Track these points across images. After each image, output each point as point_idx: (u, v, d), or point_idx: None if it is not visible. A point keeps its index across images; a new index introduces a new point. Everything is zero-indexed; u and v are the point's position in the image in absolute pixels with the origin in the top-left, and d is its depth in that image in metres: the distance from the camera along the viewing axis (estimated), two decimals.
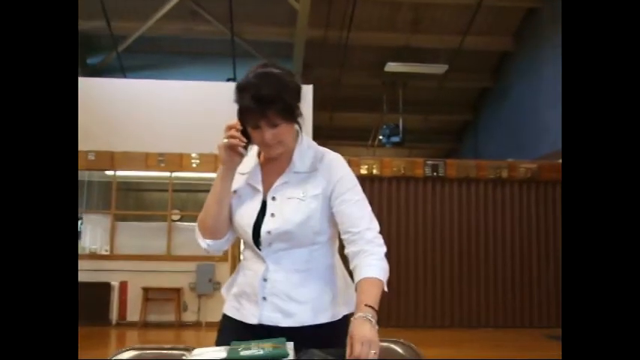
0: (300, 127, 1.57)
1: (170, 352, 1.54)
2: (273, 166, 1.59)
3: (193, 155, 8.30)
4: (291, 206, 1.53)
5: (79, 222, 8.68)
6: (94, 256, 8.23)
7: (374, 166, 8.42)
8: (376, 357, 1.31)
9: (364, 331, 1.33)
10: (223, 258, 7.96)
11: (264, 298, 1.55)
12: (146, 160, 8.34)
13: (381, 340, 1.36)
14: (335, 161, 1.59)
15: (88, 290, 7.25)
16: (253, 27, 10.33)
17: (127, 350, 1.52)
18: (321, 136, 10.20)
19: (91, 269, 7.76)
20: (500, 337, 7.60)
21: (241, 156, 1.54)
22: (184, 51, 11.11)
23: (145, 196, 11.11)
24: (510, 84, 11.20)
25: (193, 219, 1.73)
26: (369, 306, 1.38)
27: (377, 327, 1.36)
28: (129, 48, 10.33)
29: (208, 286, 8.03)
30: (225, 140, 1.51)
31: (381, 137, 12.31)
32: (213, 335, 1.65)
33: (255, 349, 1.36)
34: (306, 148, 1.59)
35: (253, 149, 1.62)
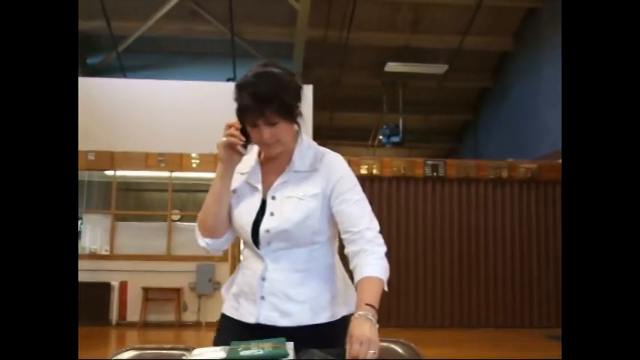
0: (299, 127, 1.57)
1: (170, 352, 1.54)
2: (273, 165, 1.59)
3: (193, 155, 8.30)
4: (291, 205, 1.53)
5: (79, 222, 8.68)
6: (94, 256, 8.23)
7: (374, 166, 8.42)
8: (375, 357, 1.30)
9: (363, 331, 1.32)
10: (223, 258, 7.96)
11: (263, 298, 1.55)
12: (146, 160, 8.34)
13: (381, 340, 1.36)
14: (335, 161, 1.59)
15: (88, 290, 7.25)
16: (253, 27, 10.33)
17: (127, 350, 1.52)
18: (321, 136, 10.20)
19: (91, 269, 7.76)
20: (500, 337, 7.60)
21: (240, 154, 1.54)
22: (184, 51, 11.11)
23: (145, 196, 11.10)
24: (510, 84, 11.20)
25: (193, 219, 1.73)
26: (370, 305, 1.38)
27: (377, 326, 1.35)
28: (129, 48, 10.33)
29: (208, 286, 8.03)
30: (224, 138, 1.51)
31: (381, 137, 12.31)
32: (213, 335, 1.65)
33: (255, 349, 1.36)
34: (306, 147, 1.60)
35: (254, 149, 1.62)
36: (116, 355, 1.50)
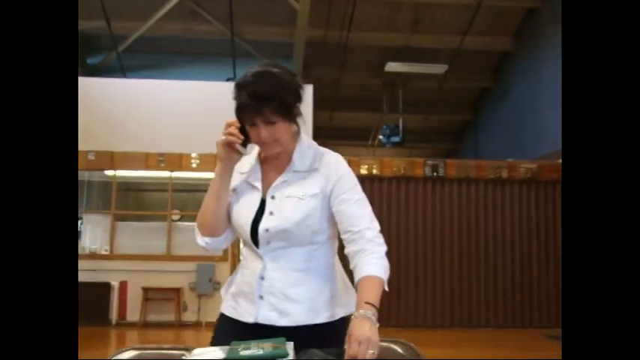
0: (299, 127, 1.57)
1: (170, 352, 1.54)
2: (273, 165, 1.59)
3: (193, 155, 8.30)
4: (290, 205, 1.53)
5: (79, 222, 8.68)
6: (93, 256, 8.23)
7: (374, 166, 8.42)
8: (375, 357, 1.29)
9: (363, 330, 1.32)
10: (223, 258, 7.96)
11: (261, 297, 1.55)
12: (146, 160, 8.34)
13: (381, 340, 1.35)
14: (335, 161, 1.59)
15: (88, 290, 7.25)
16: (253, 27, 10.33)
17: (127, 350, 1.52)
18: (321, 136, 10.21)
19: (90, 269, 7.76)
20: (500, 337, 7.60)
21: (239, 153, 1.54)
22: (184, 51, 11.11)
23: (144, 196, 11.10)
24: (510, 84, 11.20)
25: (193, 219, 1.73)
26: (370, 304, 1.37)
27: (377, 325, 1.35)
28: (129, 48, 10.33)
29: (208, 286, 8.03)
30: (224, 137, 1.51)
31: (381, 137, 12.30)
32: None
33: (255, 348, 1.36)
34: (306, 147, 1.60)
35: (254, 149, 1.62)
36: (116, 355, 1.50)
